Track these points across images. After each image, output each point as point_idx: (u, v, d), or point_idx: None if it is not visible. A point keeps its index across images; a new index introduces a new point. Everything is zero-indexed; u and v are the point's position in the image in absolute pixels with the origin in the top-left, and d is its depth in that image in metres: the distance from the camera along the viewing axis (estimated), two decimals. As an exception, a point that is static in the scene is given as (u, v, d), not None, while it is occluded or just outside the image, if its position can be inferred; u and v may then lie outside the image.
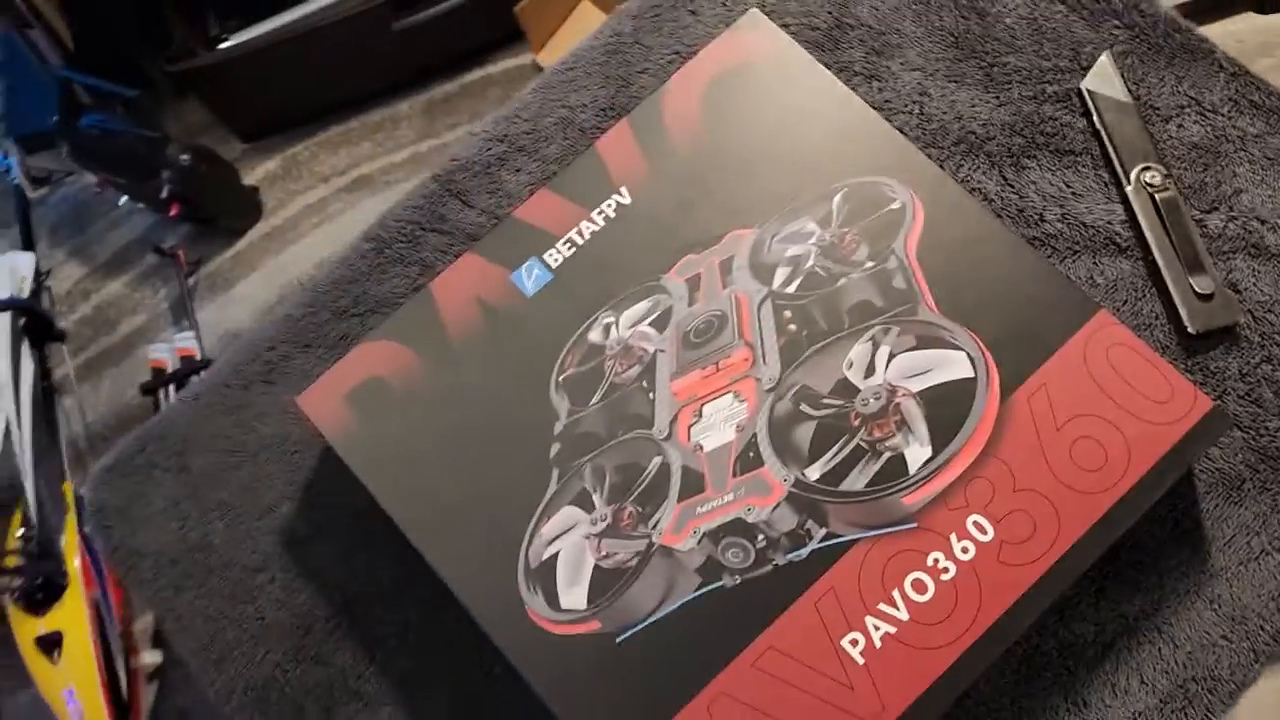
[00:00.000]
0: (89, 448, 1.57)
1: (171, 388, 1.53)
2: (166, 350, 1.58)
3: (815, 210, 0.57)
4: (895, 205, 0.56)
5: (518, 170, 0.65)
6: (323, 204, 1.66)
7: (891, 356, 0.53)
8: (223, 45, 1.57)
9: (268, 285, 1.63)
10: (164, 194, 1.50)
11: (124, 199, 1.62)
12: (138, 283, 1.68)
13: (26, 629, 1.34)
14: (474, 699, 0.57)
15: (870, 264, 0.55)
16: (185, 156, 1.50)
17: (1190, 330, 0.58)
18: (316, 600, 0.59)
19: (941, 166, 0.62)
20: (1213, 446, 0.56)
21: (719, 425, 0.53)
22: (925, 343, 0.54)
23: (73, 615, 1.33)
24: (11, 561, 1.35)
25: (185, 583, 0.60)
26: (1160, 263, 0.59)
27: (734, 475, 0.52)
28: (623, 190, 0.58)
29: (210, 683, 0.59)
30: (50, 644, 1.33)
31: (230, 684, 0.59)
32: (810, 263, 0.56)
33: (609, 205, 0.58)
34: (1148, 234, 0.60)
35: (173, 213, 1.54)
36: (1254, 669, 0.54)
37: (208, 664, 0.60)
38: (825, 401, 0.53)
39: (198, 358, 1.54)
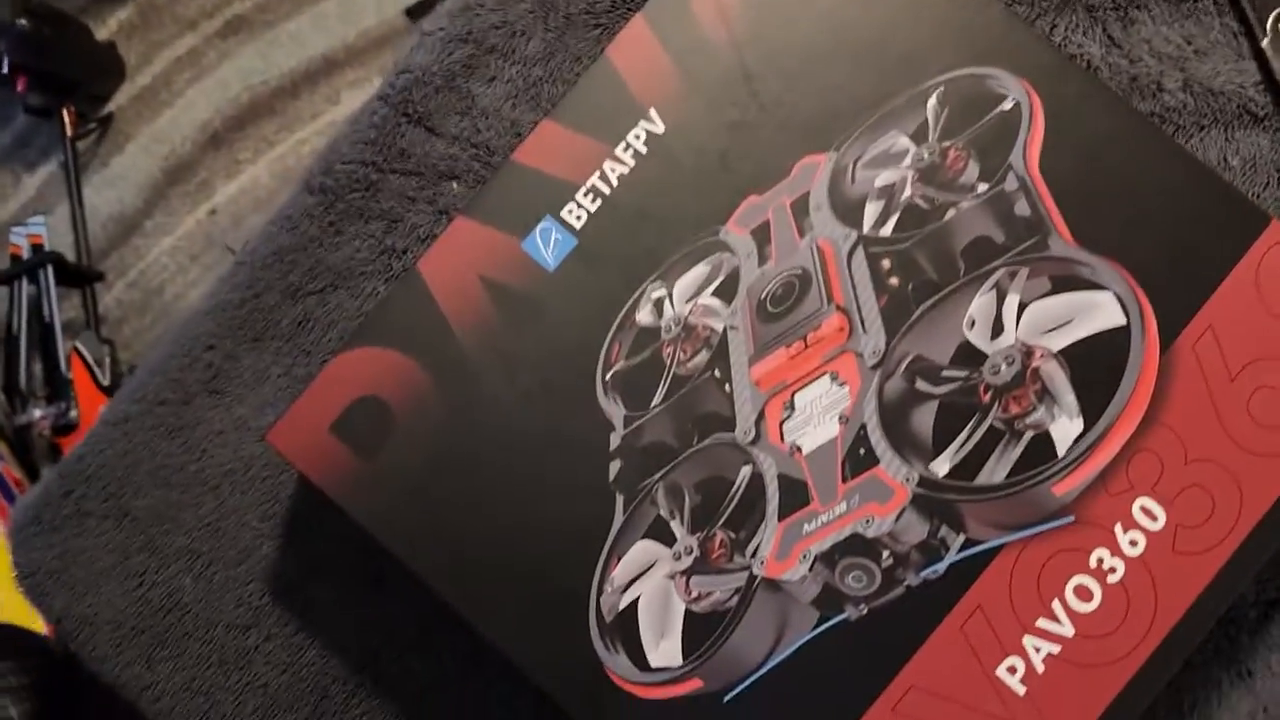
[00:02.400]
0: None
1: (24, 280, 1.34)
2: (22, 235, 1.38)
3: (906, 120, 0.44)
4: (1008, 105, 0.44)
5: (491, 79, 0.51)
6: (194, 55, 1.42)
7: (1023, 308, 0.43)
8: None
9: (149, 159, 1.42)
10: (3, 67, 1.26)
11: (-42, 78, 1.37)
12: (-2, 167, 1.45)
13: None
14: (541, 756, 0.48)
15: (984, 187, 0.43)
16: (22, 21, 1.26)
17: (1350, 217, 0.47)
18: (328, 657, 0.49)
19: (1032, 28, 0.49)
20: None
21: (818, 418, 0.42)
22: (1063, 285, 0.43)
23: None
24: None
25: (158, 653, 0.49)
26: (1309, 135, 0.48)
27: (844, 480, 0.42)
28: (652, 114, 0.44)
29: (213, 765, 0.49)
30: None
31: (233, 769, 0.48)
32: (908, 192, 0.44)
33: (637, 137, 0.44)
34: (1292, 97, 0.48)
35: (20, 87, 1.30)
36: None
37: (206, 746, 0.49)
38: (946, 374, 0.42)
39: (45, 246, 1.35)
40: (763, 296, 0.43)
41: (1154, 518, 0.41)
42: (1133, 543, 0.41)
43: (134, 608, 0.49)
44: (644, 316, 0.43)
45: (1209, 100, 0.49)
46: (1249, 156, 0.49)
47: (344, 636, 0.49)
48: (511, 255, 0.44)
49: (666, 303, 0.43)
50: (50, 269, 1.32)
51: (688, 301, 0.43)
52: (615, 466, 0.43)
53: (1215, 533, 0.41)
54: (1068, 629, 0.41)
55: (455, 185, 0.50)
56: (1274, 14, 0.48)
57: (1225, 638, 0.47)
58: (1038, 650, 0.41)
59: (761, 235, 0.44)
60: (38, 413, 1.28)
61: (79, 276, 1.37)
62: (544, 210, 0.44)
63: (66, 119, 1.36)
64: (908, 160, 0.44)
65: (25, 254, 1.35)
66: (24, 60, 1.28)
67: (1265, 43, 0.48)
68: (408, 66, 0.51)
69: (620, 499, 0.43)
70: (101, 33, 1.44)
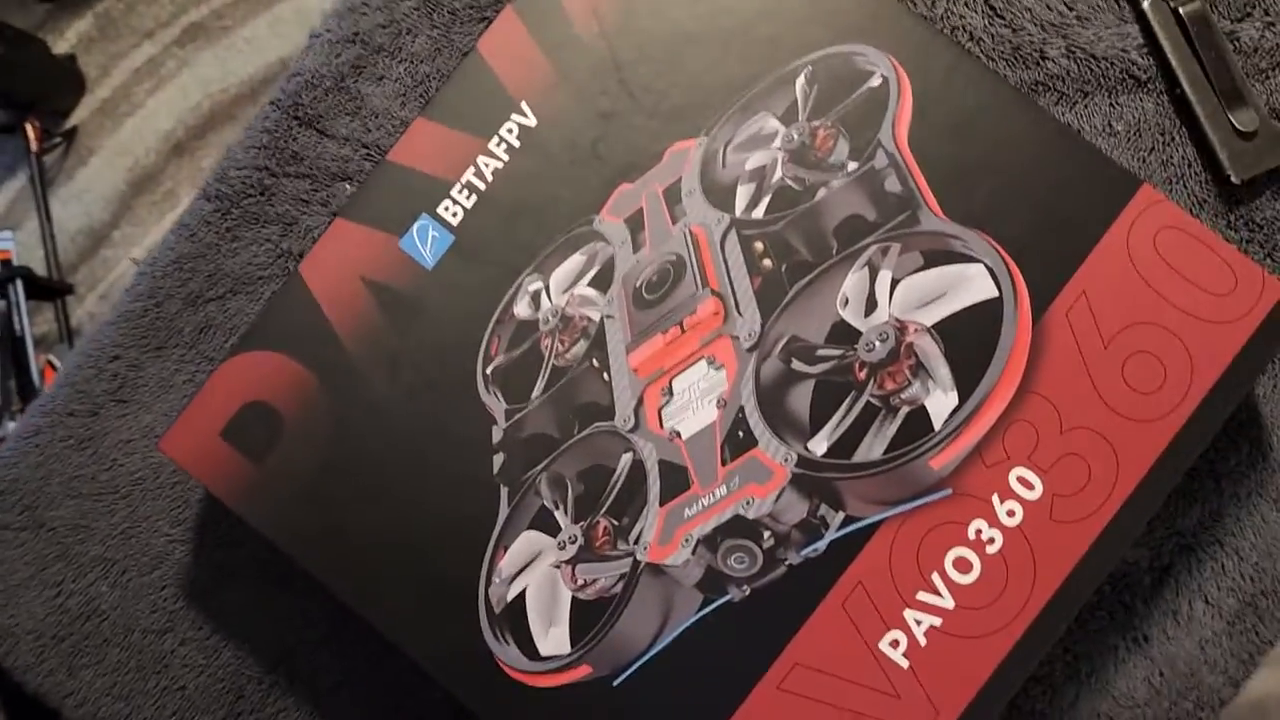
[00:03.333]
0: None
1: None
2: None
3: (774, 102, 0.44)
4: (875, 81, 0.44)
5: (380, 79, 0.51)
6: (154, 64, 1.42)
7: (895, 284, 0.43)
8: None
9: (114, 171, 1.42)
10: (-39, 87, 1.27)
11: (-82, 94, 1.38)
12: (-39, 188, 1.46)
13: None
14: (451, 740, 0.49)
15: (854, 165, 0.44)
16: (-26, 40, 1.26)
17: (1233, 179, 0.48)
18: (243, 658, 0.49)
19: (914, 3, 0.49)
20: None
21: (696, 403, 0.43)
22: (934, 259, 0.43)
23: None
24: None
25: (78, 660, 0.50)
26: (1191, 97, 0.48)
27: (723, 463, 0.42)
28: (524, 107, 0.45)
29: (137, 767, 0.50)
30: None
31: (158, 769, 0.49)
32: (778, 174, 0.44)
33: (509, 130, 0.45)
34: (1172, 60, 0.48)
35: (-21, 104, 1.31)
36: (1327, 566, 0.47)
37: (129, 747, 0.50)
38: (821, 353, 0.43)
39: (13, 261, 1.36)
40: (638, 284, 0.44)
41: (1031, 487, 0.42)
42: (1010, 513, 0.42)
43: (53, 616, 0.50)
44: (522, 309, 0.44)
45: (1092, 66, 0.49)
46: (1133, 121, 0.49)
47: (257, 636, 0.49)
48: (391, 254, 0.44)
49: (543, 294, 0.44)
50: (20, 284, 1.33)
51: (564, 292, 0.44)
52: (499, 460, 0.43)
53: (1092, 500, 0.42)
54: (948, 601, 0.42)
55: (348, 186, 0.50)
56: (1154, -24, 0.49)
57: (1120, 604, 0.47)
58: (919, 623, 0.42)
59: (635, 223, 0.44)
60: (11, 426, 1.29)
61: (49, 290, 1.37)
62: (421, 208, 0.44)
63: (30, 134, 1.36)
64: (777, 141, 0.44)
65: (-7, 271, 1.36)
66: (-19, 78, 1.28)
67: (1146, 5, 0.49)
68: (298, 70, 0.51)
69: (505, 491, 0.43)
70: (60, 46, 1.44)
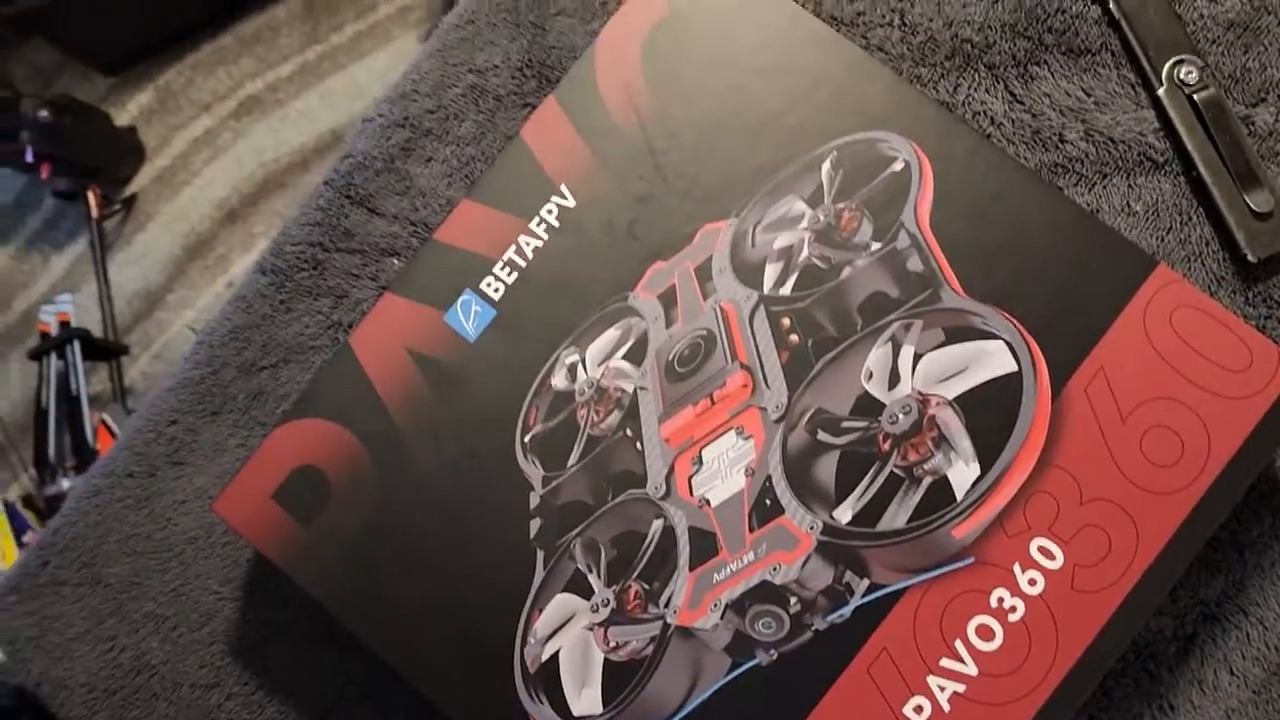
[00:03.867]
0: (8, 441, 1.45)
1: (53, 355, 1.40)
2: (51, 314, 1.44)
3: (801, 185, 0.46)
4: (898, 166, 0.46)
5: (429, 160, 0.54)
6: (210, 136, 1.49)
7: (917, 358, 0.44)
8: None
9: (170, 236, 1.48)
10: (28, 156, 1.33)
11: (-11, 164, 1.44)
12: (25, 251, 1.52)
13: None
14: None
15: (877, 245, 0.46)
16: (43, 112, 1.33)
17: (1249, 258, 0.49)
18: (286, 713, 0.51)
19: (936, 88, 0.52)
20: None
21: (725, 472, 0.45)
22: (955, 335, 0.45)
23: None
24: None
25: (128, 714, 0.52)
26: (1207, 179, 0.50)
27: (750, 530, 0.44)
28: (564, 189, 0.47)
29: (182, 820, 0.52)
30: None
31: (203, 823, 0.51)
32: (805, 253, 0.46)
33: (549, 211, 0.47)
34: (1188, 143, 0.50)
35: (45, 175, 1.37)
36: (1352, 638, 0.48)
37: (175, 800, 0.52)
38: (846, 425, 0.44)
39: (71, 323, 1.41)
40: (670, 358, 0.46)
41: (1052, 557, 0.43)
42: (1032, 582, 0.43)
43: (106, 670, 0.52)
44: (559, 381, 0.46)
45: (1110, 149, 0.51)
46: (1151, 202, 0.50)
47: (300, 693, 0.51)
48: (435, 328, 0.47)
49: (580, 367, 0.46)
50: (77, 344, 1.38)
51: (600, 365, 0.46)
52: (535, 524, 0.45)
53: (1113, 570, 0.43)
54: (971, 668, 0.43)
55: (396, 261, 0.53)
56: (1169, 63, 0.50)
57: (1145, 672, 0.48)
58: (943, 689, 0.43)
59: (668, 299, 0.46)
60: (66, 483, 1.33)
61: (105, 351, 1.42)
62: (464, 284, 0.47)
63: (92, 201, 1.43)
64: (804, 223, 0.46)
65: (54, 331, 1.41)
66: (47, 149, 1.34)
67: (1161, 91, 0.50)
68: (350, 152, 0.54)
69: (540, 555, 0.45)
70: (122, 118, 1.51)
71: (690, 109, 0.47)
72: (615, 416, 0.46)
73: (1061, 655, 0.43)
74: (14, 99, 1.33)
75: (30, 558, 0.54)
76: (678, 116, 0.47)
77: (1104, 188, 0.51)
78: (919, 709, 0.43)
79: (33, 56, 1.52)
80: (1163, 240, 0.50)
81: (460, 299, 0.47)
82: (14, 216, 1.52)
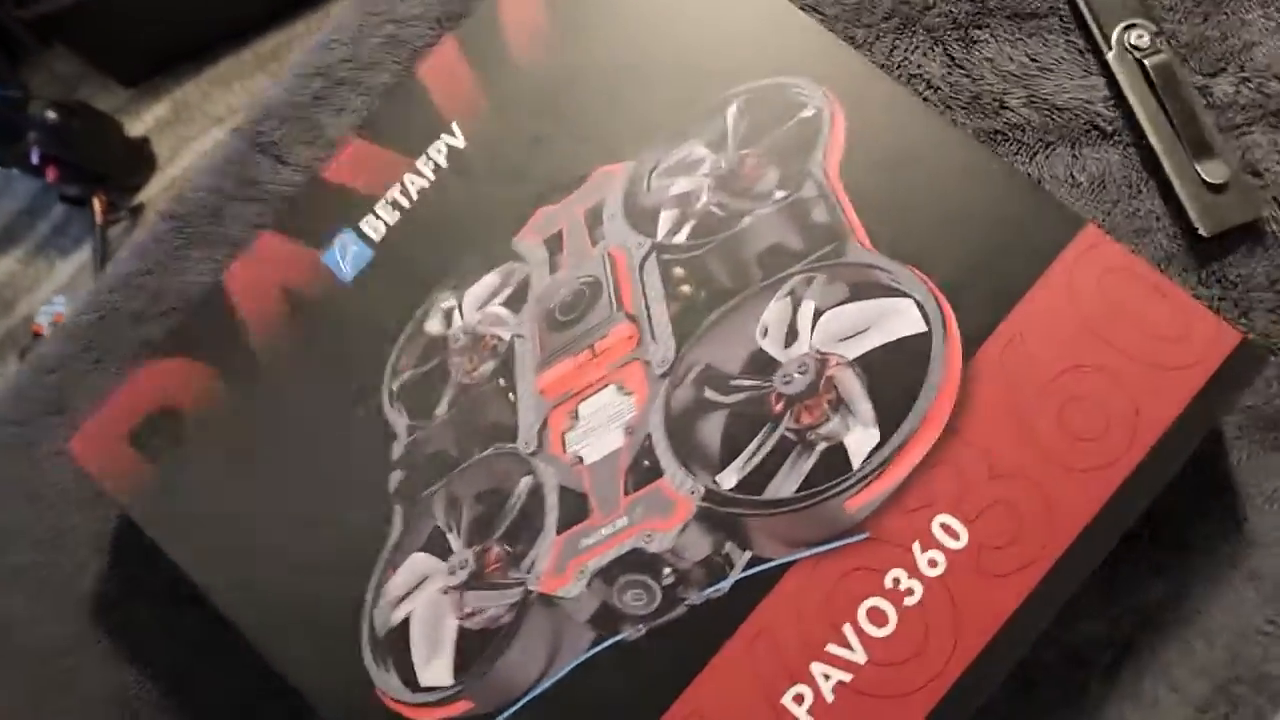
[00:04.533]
0: (2, 443, 1.45)
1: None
2: (47, 315, 1.44)
3: (704, 130, 0.43)
4: (808, 112, 0.43)
5: (340, 110, 0.52)
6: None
7: (818, 314, 0.41)
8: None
9: (172, 245, 1.48)
10: (34, 158, 1.34)
11: (-2, 167, 1.46)
12: (33, 256, 1.53)
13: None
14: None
15: (781, 194, 0.42)
16: (51, 114, 1.34)
17: (1201, 232, 0.45)
18: (143, 681, 0.48)
19: (871, 50, 0.49)
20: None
21: (601, 429, 0.41)
22: (860, 292, 0.41)
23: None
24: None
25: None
26: (1157, 148, 0.46)
27: (626, 493, 0.40)
28: (454, 128, 0.45)
29: None
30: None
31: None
32: (703, 200, 0.43)
33: (438, 151, 0.45)
34: (1138, 111, 0.46)
35: (51, 178, 1.38)
36: (1310, 658, 0.42)
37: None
38: (736, 383, 0.41)
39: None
40: (552, 305, 0.42)
41: (956, 536, 0.39)
42: (932, 563, 0.39)
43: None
44: (433, 325, 0.43)
45: (1054, 116, 0.47)
46: (1097, 173, 0.47)
47: (159, 658, 0.48)
48: (311, 267, 0.44)
49: (456, 312, 0.43)
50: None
51: (477, 311, 0.43)
52: (396, 477, 0.42)
53: (1024, 554, 0.38)
54: (860, 655, 0.38)
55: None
56: (1119, 27, 0.47)
57: (1074, 683, 0.43)
58: (827, 678, 0.38)
59: (554, 244, 0.43)
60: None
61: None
62: (344, 223, 0.44)
63: (97, 207, 1.43)
64: (705, 168, 0.43)
65: (46, 332, 1.41)
66: (54, 151, 1.36)
67: (1110, 56, 0.47)
68: (263, 100, 0.52)
69: (399, 510, 0.42)
70: (137, 128, 1.52)
71: (595, 51, 0.45)
72: (489, 365, 0.42)
73: (962, 646, 0.38)
74: (24, 100, 1.35)
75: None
76: (582, 58, 0.45)
77: (1046, 157, 0.47)
78: (799, 698, 0.38)
79: (54, 64, 1.55)
80: (1109, 213, 0.46)
81: (339, 237, 0.44)
82: (24, 221, 1.54)
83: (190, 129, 1.51)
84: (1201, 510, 0.43)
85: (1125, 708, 0.43)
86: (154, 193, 1.51)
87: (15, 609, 0.49)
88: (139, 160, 1.49)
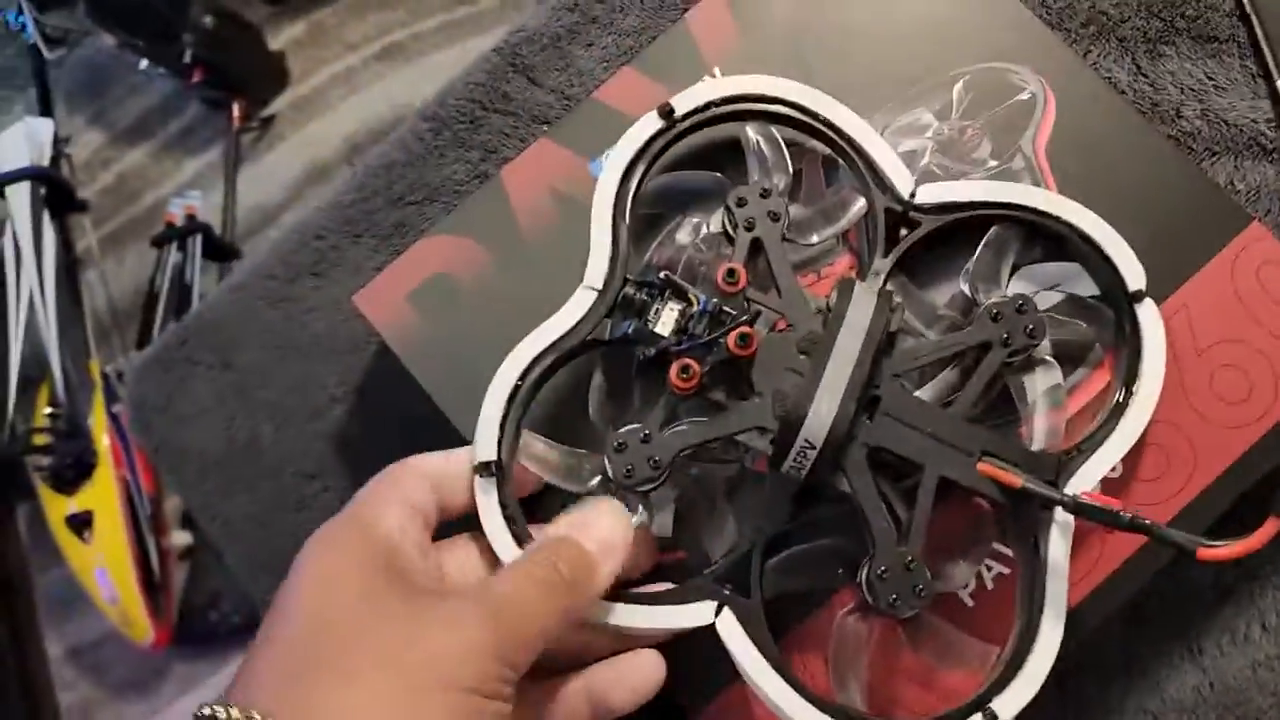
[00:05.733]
0: (114, 323, 1.54)
1: (174, 246, 1.47)
2: (179, 205, 1.52)
3: (933, 99, 0.50)
4: (1025, 96, 0.50)
5: (590, 45, 0.59)
6: (350, 74, 1.58)
7: (1016, 267, 0.48)
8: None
9: (295, 159, 1.56)
10: (186, 58, 1.42)
11: (144, 63, 1.54)
12: (161, 151, 1.62)
13: (56, 508, 1.32)
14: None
15: (994, 163, 0.49)
16: (209, 19, 1.42)
17: (1340, 246, 0.52)
18: (373, 510, 0.55)
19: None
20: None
21: (820, 339, 0.48)
22: (1053, 255, 0.48)
23: (103, 495, 1.32)
24: (40, 440, 1.33)
25: (234, 487, 0.57)
26: (1311, 169, 0.53)
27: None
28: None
29: (260, 592, 0.56)
30: (81, 523, 1.31)
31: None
32: (925, 160, 0.50)
33: (699, 88, 0.52)
34: (1298, 136, 0.53)
35: (195, 78, 1.46)
36: (1390, 615, 0.50)
37: (256, 571, 0.57)
38: (941, 314, 0.48)
39: (198, 217, 1.49)
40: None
41: (1113, 469, 0.46)
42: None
43: (220, 445, 0.57)
44: (683, 236, 0.50)
45: (1223, 129, 0.54)
46: (1254, 184, 0.54)
47: (389, 494, 0.55)
48: (580, 173, 0.51)
49: (704, 227, 0.50)
50: (199, 237, 1.46)
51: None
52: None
53: (1166, 489, 0.46)
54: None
55: (545, 128, 0.58)
56: (1291, 60, 0.54)
57: (1181, 614, 0.50)
58: (989, 569, 0.46)
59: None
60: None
61: (222, 251, 1.50)
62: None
63: (236, 112, 1.51)
64: (930, 132, 0.50)
65: (179, 223, 1.49)
66: (204, 55, 1.43)
67: (1279, 83, 0.54)
68: (522, 26, 0.59)
69: (638, 386, 0.49)
70: (275, 43, 1.60)
71: (842, 15, 0.52)
72: (728, 275, 0.49)
73: (1104, 561, 0.45)
74: (185, 2, 1.43)
75: (171, 337, 0.59)
76: (829, 21, 0.52)
77: (1212, 164, 0.54)
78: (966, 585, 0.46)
79: (204, -27, 1.63)
80: (1260, 220, 0.53)
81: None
82: (157, 119, 1.62)
83: (324, 52, 1.59)
84: (1311, 482, 0.50)
85: (1223, 640, 0.50)
86: (283, 107, 1.59)
87: (265, 436, 0.57)
88: (275, 75, 1.57)
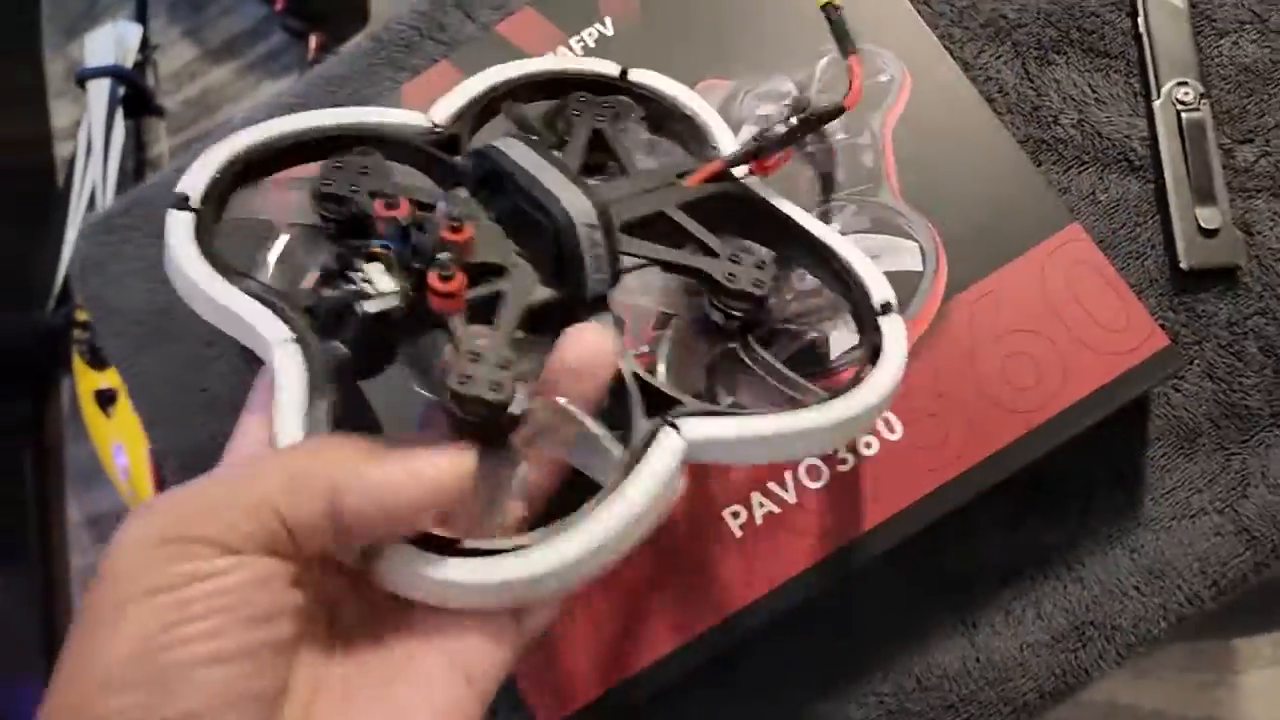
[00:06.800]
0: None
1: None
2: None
3: (797, 71, 0.54)
4: (884, 78, 0.53)
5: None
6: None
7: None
8: None
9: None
10: (272, -16, 1.51)
11: (238, -15, 1.64)
12: (244, 72, 1.71)
13: (87, 382, 1.43)
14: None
15: (842, 135, 0.52)
16: (295, -52, 1.51)
17: (1183, 265, 0.53)
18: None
19: (963, 47, 0.58)
20: (1173, 391, 0.52)
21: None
22: (879, 227, 0.51)
23: (130, 375, 1.41)
24: (83, 316, 1.43)
25: (146, 343, 0.63)
26: (1169, 188, 0.54)
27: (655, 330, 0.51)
28: (607, 21, 0.56)
29: (154, 441, 0.62)
30: (107, 399, 1.42)
31: (169, 445, 0.61)
32: (780, 127, 0.53)
33: (590, 34, 0.56)
34: (1164, 155, 0.54)
35: (279, 6, 1.55)
36: (1159, 627, 0.51)
37: (155, 423, 0.63)
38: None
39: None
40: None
41: (893, 430, 0.49)
42: (868, 444, 0.49)
43: (141, 306, 0.63)
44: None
45: (1095, 141, 0.56)
46: (1116, 197, 0.55)
47: (275, 370, 0.61)
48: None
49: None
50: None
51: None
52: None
53: (940, 459, 0.48)
54: (791, 496, 0.49)
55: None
56: (1171, 82, 0.55)
57: (963, 588, 0.53)
58: (760, 506, 0.49)
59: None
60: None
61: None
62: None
63: (313, 44, 1.59)
64: (788, 100, 0.53)
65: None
66: (289, -17, 1.52)
67: (1157, 104, 0.55)
68: (468, -34, 0.64)
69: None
70: (359, -17, 1.68)
71: (734, -16, 0.55)
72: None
73: (870, 514, 0.48)
74: (275, -72, 1.51)
75: (118, 205, 0.66)
76: (722, -8, 0.55)
77: (1079, 173, 0.56)
78: (736, 515, 0.49)
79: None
80: (1115, 232, 0.55)
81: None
82: (245, 40, 1.72)
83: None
84: (1111, 488, 0.52)
85: (996, 619, 0.52)
86: (358, 44, 1.66)
87: (176, 304, 0.63)
88: (355, 11, 1.64)
